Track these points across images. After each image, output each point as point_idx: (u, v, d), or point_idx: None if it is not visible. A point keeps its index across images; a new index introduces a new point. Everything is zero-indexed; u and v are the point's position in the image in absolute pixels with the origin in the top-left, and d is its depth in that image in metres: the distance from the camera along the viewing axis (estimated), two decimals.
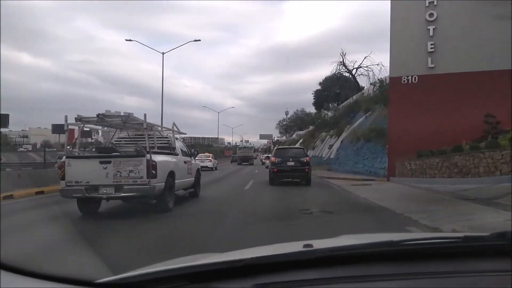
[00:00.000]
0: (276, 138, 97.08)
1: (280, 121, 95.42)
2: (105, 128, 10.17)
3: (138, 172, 7.58)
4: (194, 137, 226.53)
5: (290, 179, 15.32)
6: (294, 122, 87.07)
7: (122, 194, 7.70)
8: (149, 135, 8.47)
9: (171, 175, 8.68)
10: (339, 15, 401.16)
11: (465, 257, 1.37)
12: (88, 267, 3.66)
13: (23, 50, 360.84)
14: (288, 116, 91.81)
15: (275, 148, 21.53)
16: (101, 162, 7.70)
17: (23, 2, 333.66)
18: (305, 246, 1.37)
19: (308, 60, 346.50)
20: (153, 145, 8.44)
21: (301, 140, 54.13)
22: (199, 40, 33.34)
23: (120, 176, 7.59)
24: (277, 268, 1.24)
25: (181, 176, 9.58)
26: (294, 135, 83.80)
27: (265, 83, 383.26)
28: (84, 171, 7.72)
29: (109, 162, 7.65)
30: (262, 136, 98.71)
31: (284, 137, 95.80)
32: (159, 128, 10.29)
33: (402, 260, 1.33)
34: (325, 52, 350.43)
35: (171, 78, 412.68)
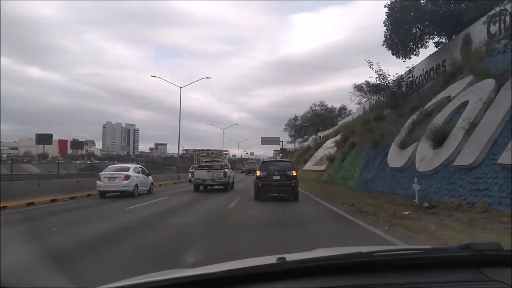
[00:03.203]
0: (283, 145, 72.74)
1: (290, 120, 71.83)
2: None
3: (221, 174, 19.43)
4: (198, 149, 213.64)
5: (277, 194, 14.55)
6: (309, 122, 63.96)
7: (214, 183, 19.62)
8: (220, 160, 23.88)
9: (229, 177, 20.64)
10: (345, 27, 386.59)
11: (432, 268, 1.36)
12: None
13: (32, 64, 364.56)
14: (301, 115, 68.60)
15: (261, 161, 20.65)
16: (207, 171, 19.72)
17: (32, 16, 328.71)
18: (278, 259, 1.35)
19: (315, 72, 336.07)
20: (223, 164, 21.34)
21: (337, 138, 31.09)
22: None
23: (214, 176, 19.39)
24: (249, 281, 1.24)
25: (231, 178, 21.59)
26: (309, 140, 60.91)
27: (271, 96, 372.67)
28: (200, 174, 19.77)
29: (210, 171, 19.66)
30: (264, 140, 69.46)
31: (296, 144, 72.23)
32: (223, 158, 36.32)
33: (372, 272, 1.32)
34: (332, 64, 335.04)
35: (178, 91, 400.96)
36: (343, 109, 64.05)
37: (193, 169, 22.40)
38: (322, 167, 29.90)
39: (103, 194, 16.29)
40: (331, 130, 48.22)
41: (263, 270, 1.30)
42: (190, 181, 24.31)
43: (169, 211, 11.54)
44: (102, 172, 16.81)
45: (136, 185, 16.66)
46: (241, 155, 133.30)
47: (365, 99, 44.43)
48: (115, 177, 16.12)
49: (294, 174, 14.35)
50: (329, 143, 36.06)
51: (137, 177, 16.99)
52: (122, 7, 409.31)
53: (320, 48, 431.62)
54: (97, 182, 16.17)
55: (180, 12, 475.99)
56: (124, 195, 16.12)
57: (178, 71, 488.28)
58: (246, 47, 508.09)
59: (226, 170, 20.23)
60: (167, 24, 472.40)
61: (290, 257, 1.40)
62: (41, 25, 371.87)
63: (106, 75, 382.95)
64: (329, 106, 66.89)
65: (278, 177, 14.07)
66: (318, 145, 44.80)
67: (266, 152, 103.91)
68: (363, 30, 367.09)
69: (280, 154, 72.81)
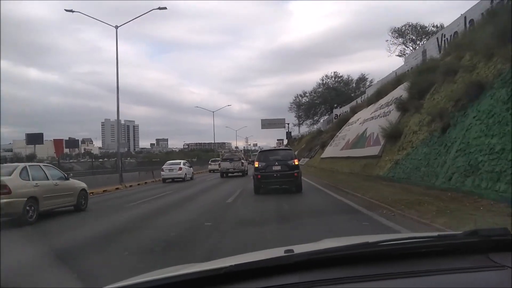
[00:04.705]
0: (290, 128, 57.39)
1: (297, 97, 54.96)
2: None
3: (239, 164, 25.14)
4: (199, 143, 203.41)
5: (278, 186, 12.70)
6: (321, 98, 49.98)
7: (235, 171, 25.11)
8: (238, 153, 29.85)
9: (245, 166, 26.41)
10: (344, 12, 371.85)
11: (440, 255, 1.34)
12: None
13: (30, 65, 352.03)
14: (310, 90, 54.13)
15: (259, 151, 17.81)
16: (229, 162, 25.17)
17: (28, 17, 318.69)
18: (286, 251, 1.35)
19: (315, 59, 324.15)
20: (240, 157, 27.03)
21: (394, 95, 17.38)
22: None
23: (234, 165, 24.98)
24: (258, 275, 1.24)
25: (246, 166, 27.03)
26: (321, 121, 47.37)
27: (272, 86, 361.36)
28: (225, 164, 25.30)
29: (231, 162, 25.09)
30: (265, 124, 53.92)
31: (304, 127, 58.24)
32: (240, 152, 36.84)
33: (379, 261, 1.30)
34: (331, 51, 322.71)
35: (179, 86, 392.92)
36: (362, 80, 50.08)
37: (218, 162, 30.60)
38: (371, 151, 16.14)
39: (164, 180, 23.10)
40: (355, 102, 34.41)
41: (272, 264, 1.28)
42: (209, 171, 35.33)
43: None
44: (164, 166, 23.99)
45: (185, 173, 23.47)
46: (243, 147, 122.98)
47: (410, 48, 30.61)
48: (172, 169, 23.30)
49: (296, 163, 12.86)
50: (367, 113, 22.24)
51: (185, 168, 24.03)
52: (117, 2, 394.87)
53: (318, 34, 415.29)
54: (161, 172, 23.40)
55: (176, 4, 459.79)
56: (175, 180, 22.91)
57: (176, 64, 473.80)
58: (244, 37, 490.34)
59: (243, 161, 26.47)
60: (163, 18, 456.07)
61: (298, 248, 1.39)
62: (37, 25, 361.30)
63: (104, 73, 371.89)
64: (345, 77, 52.52)
65: (278, 168, 12.57)
66: (341, 121, 31.02)
67: (270, 142, 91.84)
68: (361, 15, 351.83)
69: (286, 140, 58.85)
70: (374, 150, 15.65)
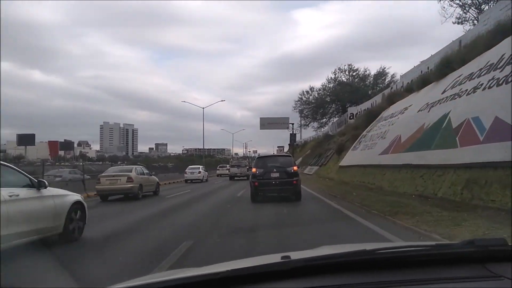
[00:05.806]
0: (294, 128, 47.55)
1: (303, 94, 45.25)
2: None
3: (245, 170, 30.64)
4: (199, 149, 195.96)
5: (276, 194, 12.06)
6: (333, 95, 41.25)
7: (241, 175, 30.43)
8: (244, 161, 36.86)
9: (249, 171, 23.05)
10: (349, 22, 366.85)
11: (437, 264, 1.31)
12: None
13: (34, 68, 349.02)
14: (318, 88, 45.31)
15: (256, 157, 17.79)
16: (237, 168, 31.87)
17: (34, 20, 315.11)
18: (283, 257, 1.32)
19: (318, 69, 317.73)
20: (246, 164, 33.83)
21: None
22: None
23: (241, 171, 31.13)
24: (254, 280, 1.22)
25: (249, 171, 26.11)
26: (330, 124, 39.03)
27: (274, 94, 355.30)
28: (233, 170, 31.88)
29: (238, 168, 31.79)
30: (265, 123, 43.97)
31: (310, 131, 49.61)
32: (246, 160, 43.62)
33: (377, 269, 1.28)
34: (334, 60, 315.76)
35: (181, 92, 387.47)
36: (382, 74, 41.47)
37: (227, 167, 37.60)
38: (493, 153, 7.43)
39: (186, 181, 28.39)
40: (381, 95, 25.88)
41: (269, 269, 1.25)
42: (217, 175, 38.82)
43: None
44: (187, 169, 29.89)
45: (203, 176, 29.22)
46: (243, 153, 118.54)
47: (470, 14, 21.99)
48: (193, 172, 29.09)
49: (295, 170, 12.23)
50: (428, 95, 13.64)
51: (203, 172, 29.66)
52: (122, 8, 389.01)
53: (323, 43, 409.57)
54: (185, 175, 29.11)
55: (181, 11, 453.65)
56: (193, 182, 27.82)
57: (180, 71, 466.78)
58: (248, 45, 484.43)
59: (247, 167, 30.69)
60: (168, 24, 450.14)
61: (295, 255, 1.35)
62: (43, 29, 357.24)
63: (108, 77, 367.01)
64: (361, 70, 43.58)
65: (277, 174, 11.95)
66: (370, 116, 22.33)
67: (270, 150, 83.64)
68: (363, 25, 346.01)
69: (289, 145, 50.03)
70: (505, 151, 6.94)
